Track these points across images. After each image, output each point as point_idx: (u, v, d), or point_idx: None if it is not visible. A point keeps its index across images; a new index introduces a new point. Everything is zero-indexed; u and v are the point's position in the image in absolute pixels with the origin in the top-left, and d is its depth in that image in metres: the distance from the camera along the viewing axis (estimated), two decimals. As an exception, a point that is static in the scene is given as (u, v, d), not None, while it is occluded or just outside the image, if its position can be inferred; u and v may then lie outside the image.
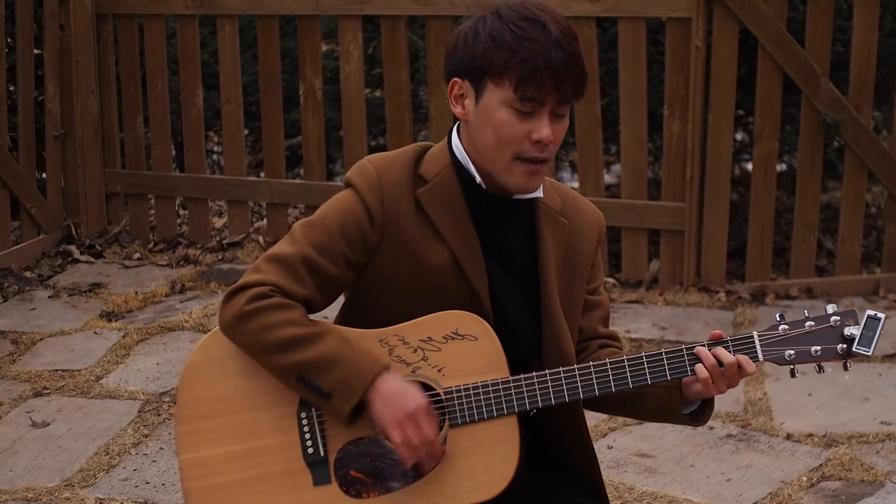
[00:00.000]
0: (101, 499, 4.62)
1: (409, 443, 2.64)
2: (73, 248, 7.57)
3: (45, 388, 5.59)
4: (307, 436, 2.72)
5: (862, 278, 6.76)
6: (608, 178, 7.64)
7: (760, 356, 2.73)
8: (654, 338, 6.11)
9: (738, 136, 7.42)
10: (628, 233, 6.82)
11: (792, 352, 2.72)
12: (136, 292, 6.86)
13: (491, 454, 2.71)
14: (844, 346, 2.72)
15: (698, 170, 6.64)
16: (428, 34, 7.06)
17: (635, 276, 6.90)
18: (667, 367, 2.72)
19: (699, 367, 2.70)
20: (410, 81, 7.25)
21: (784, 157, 7.33)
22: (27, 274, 7.18)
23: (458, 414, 2.70)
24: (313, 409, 2.72)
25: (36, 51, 7.54)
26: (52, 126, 7.59)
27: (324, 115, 7.44)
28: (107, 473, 4.81)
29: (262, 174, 8.15)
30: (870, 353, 2.70)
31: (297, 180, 7.79)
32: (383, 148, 8.06)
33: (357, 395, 2.63)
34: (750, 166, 7.53)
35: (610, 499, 3.05)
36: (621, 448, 4.96)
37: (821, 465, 4.81)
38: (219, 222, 8.08)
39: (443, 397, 2.70)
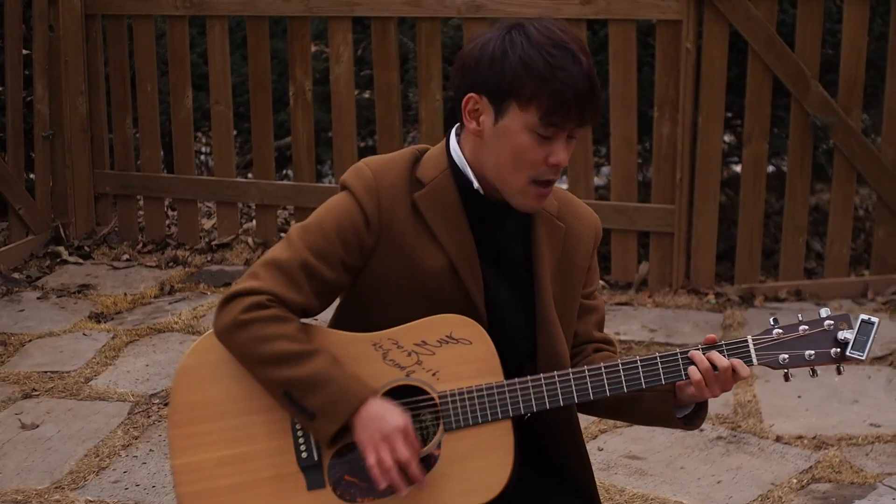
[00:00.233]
0: (90, 501, 4.61)
1: (381, 464, 2.63)
2: (61, 249, 7.55)
3: (35, 389, 5.58)
4: (301, 440, 2.72)
5: (850, 280, 6.78)
6: (598, 181, 7.64)
7: (754, 360, 2.74)
8: (644, 340, 6.11)
9: (727, 139, 7.43)
10: (618, 235, 6.82)
11: (786, 356, 2.73)
12: (125, 294, 6.85)
13: (485, 458, 2.70)
14: (838, 350, 2.72)
15: (688, 172, 6.65)
16: (418, 35, 7.05)
17: (625, 278, 6.91)
18: (661, 371, 2.72)
19: (693, 370, 2.70)
20: (400, 83, 7.24)
21: (772, 160, 7.34)
22: (15, 275, 7.17)
23: (452, 418, 2.70)
24: (307, 414, 2.72)
25: (25, 51, 7.52)
26: (40, 127, 7.58)
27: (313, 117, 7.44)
28: (97, 475, 4.81)
29: (250, 175, 8.15)
30: (863, 358, 2.70)
31: (287, 182, 7.78)
32: (373, 149, 8.06)
33: (341, 420, 2.64)
34: (738, 168, 7.55)
35: (601, 501, 3.05)
36: (611, 450, 4.96)
37: (811, 467, 4.82)
38: (208, 223, 8.07)
39: (437, 401, 2.70)
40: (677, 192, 6.65)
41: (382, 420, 2.63)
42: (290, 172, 8.53)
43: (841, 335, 2.72)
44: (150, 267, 7.39)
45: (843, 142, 6.56)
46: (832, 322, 2.73)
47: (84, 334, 6.25)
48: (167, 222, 7.99)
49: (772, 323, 2.77)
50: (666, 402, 2.81)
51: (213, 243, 7.63)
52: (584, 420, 4.81)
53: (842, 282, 6.76)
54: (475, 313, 2.74)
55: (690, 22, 6.45)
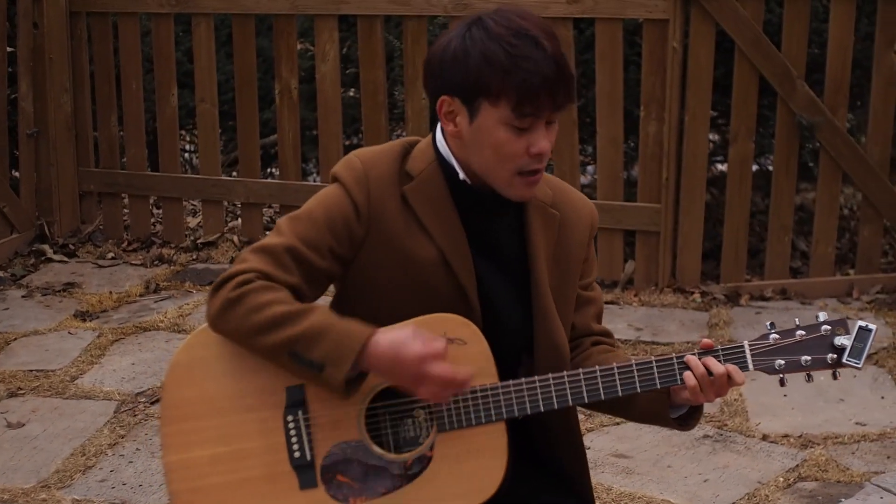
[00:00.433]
0: (77, 500, 4.60)
1: (437, 394, 2.61)
2: (46, 247, 7.53)
3: (20, 388, 5.56)
4: (294, 439, 2.70)
5: (836, 280, 6.79)
6: (584, 179, 7.64)
7: (750, 366, 2.73)
8: (630, 338, 6.12)
9: (712, 138, 7.43)
10: (604, 233, 6.82)
11: (782, 361, 2.72)
12: (111, 292, 6.84)
13: (478, 460, 2.69)
14: (835, 356, 2.71)
15: (674, 171, 6.66)
16: (404, 34, 7.05)
17: (611, 276, 6.91)
18: (657, 376, 2.71)
19: (688, 375, 2.69)
20: (386, 81, 7.23)
21: (757, 159, 7.35)
22: (0, 273, 7.14)
23: (445, 419, 2.69)
24: (300, 412, 2.70)
25: (9, 48, 7.49)
26: (25, 124, 7.56)
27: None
28: (83, 474, 4.79)
29: (235, 173, 8.14)
30: (860, 366, 2.69)
31: (273, 180, 7.77)
32: (359, 147, 8.04)
33: (349, 361, 2.58)
34: (723, 167, 7.57)
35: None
36: (598, 448, 4.97)
37: (797, 465, 4.83)
38: (193, 222, 8.05)
39: (431, 402, 2.69)
40: (663, 191, 6.66)
41: (400, 351, 2.58)
42: (272, 170, 8.53)
43: (838, 341, 2.71)
44: (136, 265, 7.38)
45: (828, 141, 6.58)
46: (829, 327, 2.72)
47: (69, 333, 6.24)
48: (152, 220, 7.97)
49: (768, 328, 2.75)
50: (661, 403, 2.80)
51: (199, 241, 7.62)
52: (572, 419, 4.82)
53: (827, 281, 6.77)
54: (468, 306, 2.73)
55: (677, 21, 6.46)
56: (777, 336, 2.74)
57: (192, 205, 8.37)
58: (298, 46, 7.55)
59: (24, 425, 5.20)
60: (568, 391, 2.71)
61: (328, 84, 7.26)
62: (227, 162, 8.57)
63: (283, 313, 2.63)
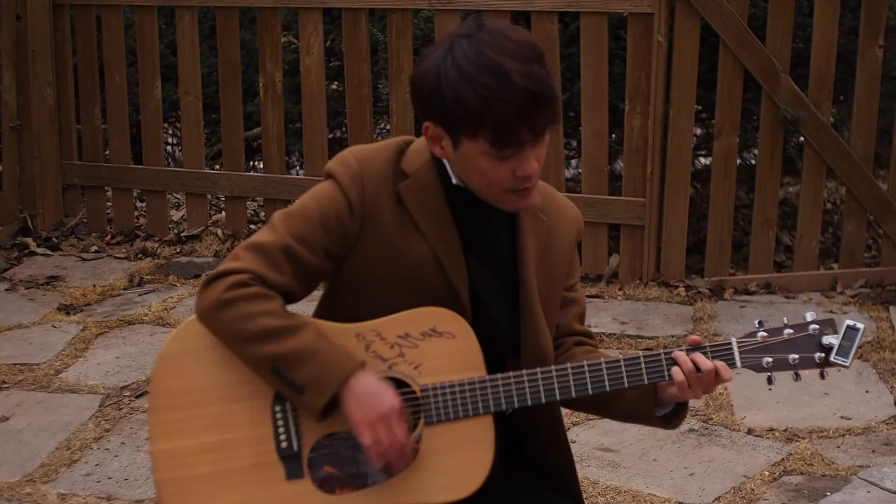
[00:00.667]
0: (63, 494, 4.58)
1: (378, 445, 2.62)
2: (29, 240, 7.52)
3: (4, 381, 5.54)
4: (281, 429, 2.70)
5: (820, 274, 6.81)
6: (568, 173, 7.64)
7: (738, 363, 2.74)
8: (615, 332, 6.13)
9: (695, 132, 7.44)
10: (588, 227, 6.81)
11: (770, 359, 2.72)
12: (95, 285, 6.82)
13: (465, 453, 2.70)
14: (822, 355, 2.72)
15: (658, 165, 6.66)
16: (389, 27, 7.04)
17: (595, 270, 6.92)
18: (644, 371, 2.72)
19: (676, 371, 2.70)
20: (370, 75, 7.22)
21: (741, 153, 7.36)
22: (-18, 266, 7.14)
23: (433, 412, 2.69)
24: (288, 403, 2.70)
25: (-8, 41, 7.49)
26: (8, 117, 7.54)
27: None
28: (68, 468, 4.78)
29: (218, 167, 8.13)
30: (847, 365, 2.70)
31: (257, 173, 7.76)
32: (342, 141, 8.04)
33: (330, 390, 2.61)
34: (705, 161, 7.59)
35: (581, 495, 3.05)
36: (584, 442, 4.97)
37: (782, 459, 4.83)
38: (177, 215, 8.04)
39: (418, 395, 2.69)
40: (648, 185, 6.66)
41: (377, 398, 2.61)
42: (255, 163, 8.51)
43: (826, 340, 2.72)
44: (119, 258, 7.36)
45: (813, 136, 6.59)
46: (817, 326, 2.73)
47: (53, 326, 6.22)
48: (136, 214, 7.94)
49: (757, 326, 2.76)
50: (647, 401, 2.80)
51: (183, 235, 7.61)
52: (558, 412, 4.82)
53: (811, 275, 6.78)
54: (459, 305, 2.74)
55: (662, 15, 6.47)
56: (765, 334, 2.75)
57: (176, 198, 8.35)
58: (282, 39, 7.54)
59: (8, 419, 5.18)
60: (556, 384, 2.71)
61: (312, 77, 7.25)
62: (210, 155, 8.56)
63: (273, 327, 2.64)
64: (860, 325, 2.69)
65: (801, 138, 6.71)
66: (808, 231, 6.78)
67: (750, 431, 5.08)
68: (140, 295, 6.71)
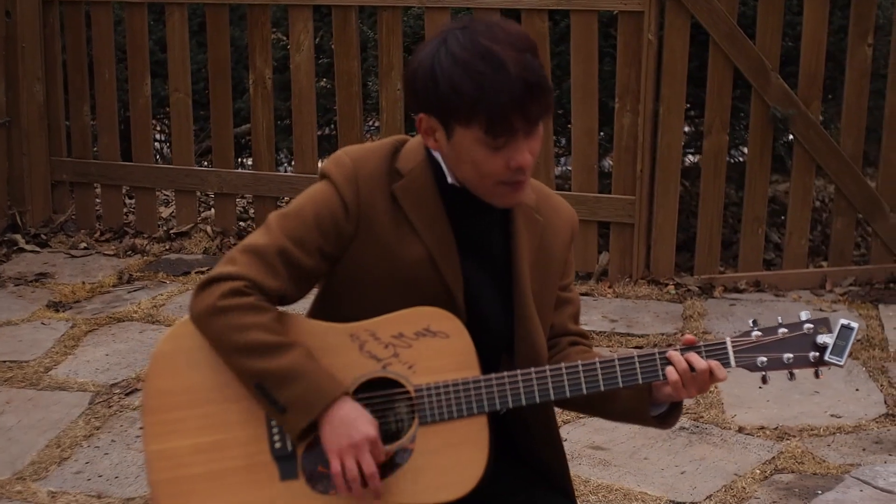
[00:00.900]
0: (53, 492, 4.57)
1: (346, 472, 2.63)
2: (18, 237, 7.50)
3: (-6, 379, 5.54)
4: (275, 430, 2.70)
5: (809, 272, 6.81)
6: (557, 171, 7.65)
7: (733, 362, 2.73)
8: (605, 330, 6.13)
9: (684, 130, 7.45)
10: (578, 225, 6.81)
11: (764, 359, 2.72)
12: (84, 282, 6.81)
13: (459, 454, 2.69)
14: (817, 354, 2.72)
15: (648, 163, 6.67)
16: (379, 25, 7.03)
17: (585, 268, 6.92)
18: (639, 371, 2.72)
19: (670, 370, 2.69)
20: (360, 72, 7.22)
21: (730, 151, 7.36)
22: (-29, 263, 7.12)
23: (427, 412, 2.69)
24: (282, 404, 2.71)
25: (-19, 37, 7.47)
26: (-3, 114, 7.53)
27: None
28: (59, 466, 4.77)
29: (206, 163, 8.12)
30: (842, 364, 2.70)
31: (247, 170, 7.75)
32: (331, 138, 8.04)
33: (311, 415, 2.63)
34: (693, 159, 7.60)
35: (574, 493, 3.05)
36: (575, 440, 4.97)
37: (773, 457, 4.84)
38: (166, 212, 8.03)
39: (412, 395, 2.69)
40: (638, 183, 6.67)
41: (352, 426, 2.62)
42: (244, 160, 8.50)
43: (820, 339, 2.71)
44: (109, 255, 7.35)
45: (802, 134, 6.60)
46: (812, 325, 2.72)
47: (43, 323, 6.21)
48: (125, 210, 7.93)
49: (751, 325, 2.76)
50: (641, 401, 2.81)
51: (172, 232, 7.60)
52: (549, 411, 4.82)
53: (800, 273, 6.79)
54: (454, 306, 2.73)
55: (652, 13, 6.47)
56: (759, 333, 2.74)
57: (165, 195, 8.33)
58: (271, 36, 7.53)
59: (-3, 417, 5.19)
60: (550, 384, 2.71)
61: (303, 74, 7.24)
62: (198, 152, 8.54)
63: (262, 343, 2.64)
64: (855, 325, 2.70)
65: (791, 136, 6.72)
66: (797, 229, 6.79)
67: (741, 430, 5.09)
68: (129, 292, 6.70)
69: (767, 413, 5.23)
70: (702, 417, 5.18)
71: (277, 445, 2.70)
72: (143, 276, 6.96)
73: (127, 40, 7.54)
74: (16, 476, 4.68)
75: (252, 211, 7.91)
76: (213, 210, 7.80)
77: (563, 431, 5.02)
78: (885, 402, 5.33)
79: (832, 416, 5.21)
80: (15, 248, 7.40)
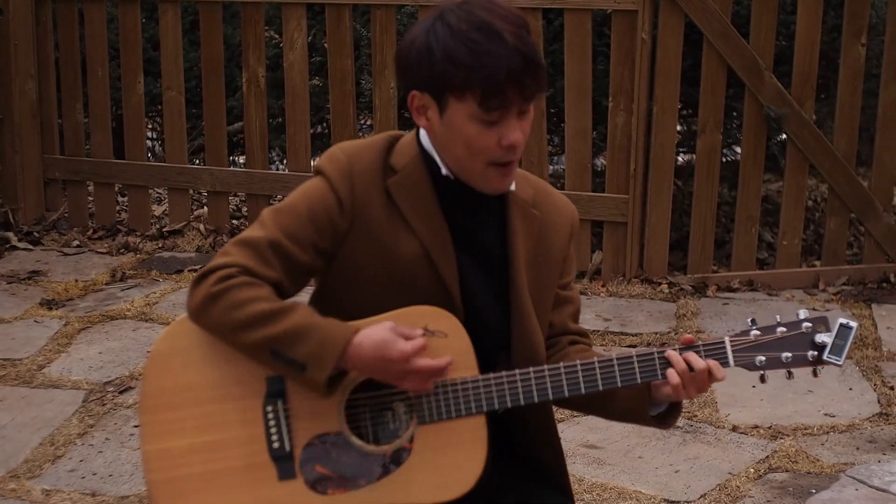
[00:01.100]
0: (47, 490, 4.56)
1: (419, 389, 2.64)
2: (10, 234, 7.49)
3: (-13, 377, 5.53)
4: (273, 429, 2.70)
5: (802, 271, 6.82)
6: (551, 170, 7.64)
7: (731, 362, 2.73)
8: (598, 329, 6.13)
9: (677, 129, 7.45)
10: (572, 224, 6.81)
11: (763, 358, 2.72)
12: (77, 280, 6.80)
13: (458, 453, 2.69)
14: (815, 353, 2.72)
15: (642, 162, 6.67)
16: (372, 23, 7.03)
17: (578, 267, 6.86)
18: (637, 370, 2.71)
19: (671, 372, 2.69)
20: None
21: (724, 150, 7.36)
22: (-36, 261, 7.11)
23: (425, 411, 2.68)
24: (280, 403, 2.69)
25: (-26, 35, 7.45)
26: (-11, 111, 7.51)
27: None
28: (53, 464, 4.76)
29: (198, 161, 8.11)
30: (840, 363, 2.70)
31: (240, 168, 7.74)
32: (325, 136, 8.04)
33: (331, 362, 2.60)
34: (685, 158, 7.60)
35: (572, 492, 3.05)
36: (569, 439, 4.97)
37: (767, 456, 4.84)
38: (158, 209, 8.02)
39: (411, 394, 2.69)
40: (631, 181, 6.67)
41: (384, 351, 2.60)
42: (236, 158, 8.49)
43: (819, 338, 2.71)
44: (101, 253, 7.34)
45: (796, 133, 6.61)
46: (810, 325, 2.72)
47: (36, 321, 6.20)
48: (117, 208, 7.92)
49: (750, 324, 2.75)
50: (640, 401, 2.80)
51: (165, 230, 7.59)
52: (544, 410, 4.82)
53: (793, 272, 6.80)
54: (450, 301, 2.73)
55: (646, 12, 6.47)
56: (758, 332, 2.74)
57: (158, 193, 8.32)
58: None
59: (-9, 414, 5.18)
60: (548, 384, 2.71)
61: (296, 72, 7.24)
62: (190, 150, 8.53)
63: (264, 311, 2.63)
64: (854, 324, 2.70)
65: (784, 136, 6.73)
66: (790, 228, 6.80)
67: (734, 429, 5.09)
68: (122, 290, 6.69)
69: (761, 412, 5.24)
70: (696, 416, 5.19)
71: (276, 445, 2.69)
72: (136, 274, 6.95)
73: (120, 38, 7.52)
74: (10, 474, 4.67)
75: (245, 209, 7.90)
76: (206, 208, 7.80)
77: (558, 430, 5.01)
78: (879, 402, 5.35)
79: (826, 415, 5.22)
80: (7, 245, 7.39)
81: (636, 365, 2.71)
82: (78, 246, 7.44)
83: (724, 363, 2.72)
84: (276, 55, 7.81)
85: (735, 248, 6.84)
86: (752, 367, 2.73)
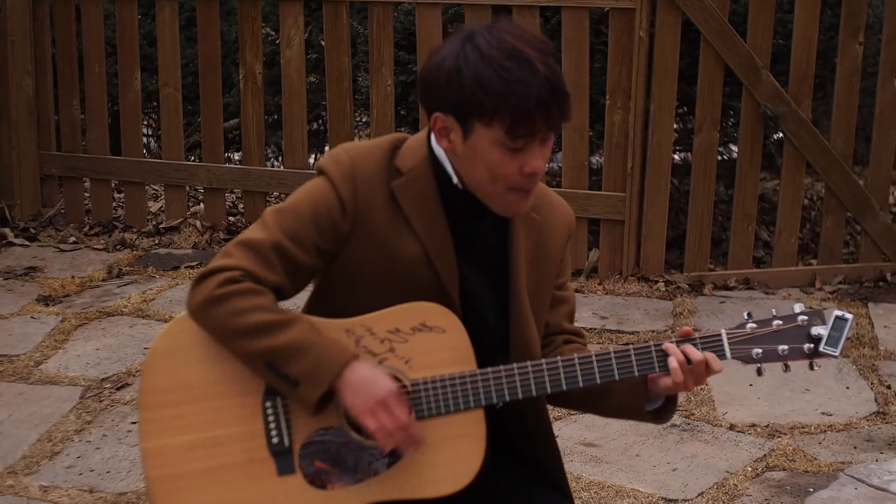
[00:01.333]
0: (45, 486, 4.56)
1: (384, 429, 2.62)
2: (7, 230, 7.49)
3: (-16, 373, 5.53)
4: (272, 425, 2.70)
5: (798, 270, 6.83)
6: (547, 167, 7.64)
7: (728, 354, 2.74)
8: (595, 327, 6.13)
9: (674, 127, 7.46)
10: (568, 222, 6.81)
11: (759, 350, 2.73)
12: (73, 276, 6.80)
13: (456, 448, 2.70)
14: (811, 345, 2.72)
15: (639, 160, 6.67)
16: (370, 20, 7.03)
17: (575, 265, 6.91)
18: (635, 363, 2.72)
19: (671, 360, 2.70)
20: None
21: (720, 149, 7.37)
22: (-40, 257, 7.10)
23: (424, 406, 2.69)
24: (278, 399, 2.70)
25: (-30, 31, 7.44)
26: (-14, 107, 7.50)
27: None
28: (50, 461, 4.76)
29: (194, 158, 8.10)
30: (837, 354, 2.71)
31: (237, 165, 7.74)
32: (321, 134, 8.04)
33: (325, 383, 2.61)
34: (682, 156, 7.60)
35: (570, 489, 3.06)
36: (566, 437, 4.97)
37: (765, 455, 4.85)
38: (155, 206, 8.01)
39: (409, 389, 2.69)
40: (628, 180, 6.67)
41: (373, 384, 2.62)
42: (232, 154, 8.49)
43: (814, 331, 2.72)
44: (98, 250, 7.33)
45: (793, 132, 6.62)
46: (806, 317, 2.73)
47: (32, 317, 6.19)
48: (114, 205, 7.92)
49: (746, 317, 2.76)
50: (636, 396, 2.81)
51: (161, 226, 7.59)
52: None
53: (790, 271, 6.81)
54: (450, 304, 2.73)
55: (643, 10, 6.48)
56: (754, 325, 2.75)
57: (154, 189, 8.32)
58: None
59: (-12, 411, 5.17)
60: (546, 378, 2.71)
61: (293, 69, 7.24)
62: (187, 146, 8.52)
63: (265, 322, 2.64)
64: (849, 315, 2.71)
65: (781, 134, 6.73)
66: (787, 227, 6.81)
67: (732, 427, 5.10)
68: (119, 286, 6.69)
69: (758, 410, 5.24)
70: (693, 415, 5.19)
71: (275, 441, 2.70)
72: (133, 271, 6.95)
73: (117, 34, 7.52)
74: (7, 470, 4.67)
75: (241, 206, 7.90)
76: (202, 204, 7.79)
77: (555, 428, 4.95)
78: (876, 401, 5.35)
79: (823, 413, 5.23)
80: (4, 241, 7.38)
81: (633, 358, 2.72)
82: (74, 242, 7.44)
83: (721, 355, 2.73)
84: (272, 52, 7.81)
85: (732, 246, 6.85)
86: (748, 359, 2.74)
